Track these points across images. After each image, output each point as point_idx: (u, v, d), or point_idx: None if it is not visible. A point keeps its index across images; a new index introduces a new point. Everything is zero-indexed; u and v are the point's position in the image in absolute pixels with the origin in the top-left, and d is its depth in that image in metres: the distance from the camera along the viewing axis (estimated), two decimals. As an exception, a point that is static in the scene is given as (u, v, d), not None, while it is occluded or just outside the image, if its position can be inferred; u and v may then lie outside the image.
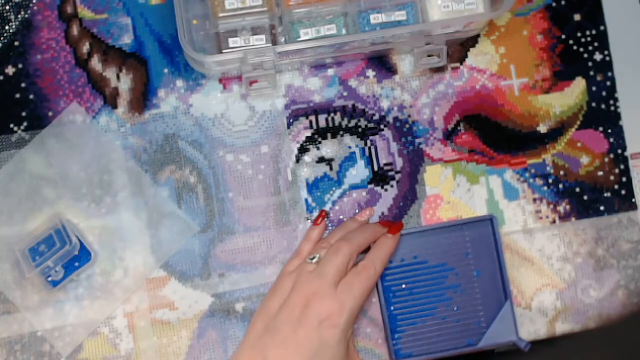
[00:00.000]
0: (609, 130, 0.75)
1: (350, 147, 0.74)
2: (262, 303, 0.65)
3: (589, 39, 0.75)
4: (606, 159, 0.75)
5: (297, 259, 0.68)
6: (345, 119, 0.74)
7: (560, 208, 0.74)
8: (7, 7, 0.72)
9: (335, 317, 0.62)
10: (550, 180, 0.74)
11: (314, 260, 0.65)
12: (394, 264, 0.71)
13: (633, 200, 0.75)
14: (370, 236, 0.67)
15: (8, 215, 0.70)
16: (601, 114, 0.75)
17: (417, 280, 0.71)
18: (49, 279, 0.68)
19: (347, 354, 0.64)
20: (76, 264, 0.69)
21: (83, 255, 0.69)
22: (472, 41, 0.75)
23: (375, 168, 0.74)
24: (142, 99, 0.72)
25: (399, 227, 0.69)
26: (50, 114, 0.71)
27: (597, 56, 0.75)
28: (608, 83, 0.75)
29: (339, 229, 0.70)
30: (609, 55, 0.75)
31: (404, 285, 0.71)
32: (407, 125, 0.74)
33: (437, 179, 0.74)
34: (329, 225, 0.73)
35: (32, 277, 0.68)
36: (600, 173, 0.75)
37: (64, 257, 0.68)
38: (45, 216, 0.70)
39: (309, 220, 0.72)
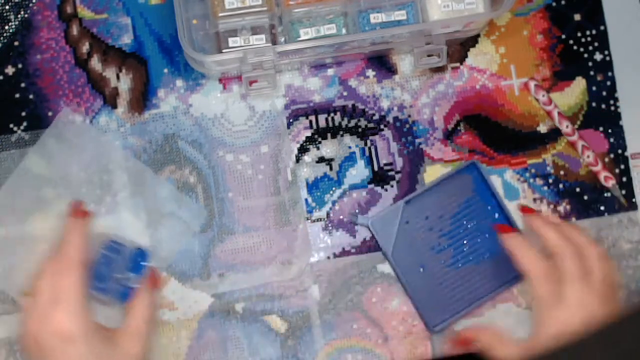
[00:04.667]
0: (609, 130, 0.75)
1: (350, 147, 0.74)
2: None
3: (589, 39, 0.75)
4: (606, 159, 0.75)
5: None
6: (345, 119, 0.74)
7: (561, 208, 0.74)
8: (7, 7, 0.72)
9: (65, 332, 0.59)
10: (550, 180, 0.74)
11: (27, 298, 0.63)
12: (418, 225, 0.72)
13: (633, 200, 0.74)
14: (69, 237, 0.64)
15: (8, 216, 0.70)
16: (601, 114, 0.75)
17: (443, 235, 0.72)
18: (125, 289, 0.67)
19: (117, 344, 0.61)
20: (142, 263, 0.68)
21: (139, 255, 0.69)
22: (472, 41, 0.75)
23: (375, 168, 0.73)
24: (142, 99, 0.72)
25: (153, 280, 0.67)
26: (50, 114, 0.71)
27: (597, 56, 0.75)
28: (608, 83, 0.75)
29: None
30: (609, 55, 0.75)
31: (439, 242, 0.72)
32: (407, 125, 0.74)
33: (437, 179, 0.74)
34: (329, 225, 0.73)
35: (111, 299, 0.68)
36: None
37: (128, 264, 0.67)
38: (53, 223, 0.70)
39: (309, 220, 0.72)
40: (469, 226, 0.72)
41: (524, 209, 0.70)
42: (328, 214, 0.73)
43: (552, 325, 0.62)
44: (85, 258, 0.62)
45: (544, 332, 0.63)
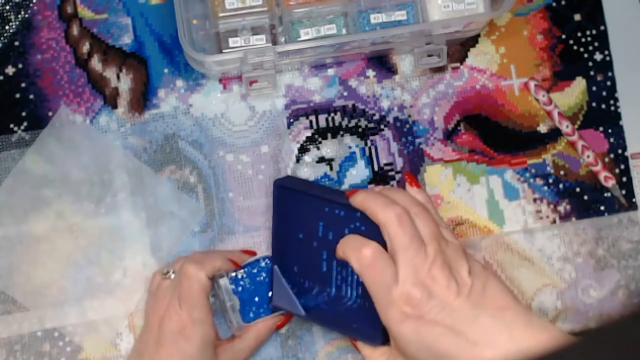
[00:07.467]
0: (609, 130, 0.75)
1: (350, 147, 0.74)
2: None
3: (589, 39, 0.75)
4: (606, 159, 0.75)
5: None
6: (346, 119, 0.74)
7: (561, 208, 0.74)
8: (7, 7, 0.72)
9: (187, 330, 0.62)
10: (550, 180, 0.74)
11: (167, 275, 0.66)
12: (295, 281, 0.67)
13: (633, 200, 0.75)
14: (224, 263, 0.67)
15: (7, 215, 0.70)
16: (601, 114, 0.75)
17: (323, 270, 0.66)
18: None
19: (217, 356, 0.64)
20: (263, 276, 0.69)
21: (257, 267, 0.69)
22: (472, 41, 0.75)
23: (376, 168, 0.74)
24: (142, 99, 0.72)
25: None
26: (50, 114, 0.71)
27: (597, 56, 0.75)
28: (608, 83, 0.75)
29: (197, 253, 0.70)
30: (609, 55, 0.75)
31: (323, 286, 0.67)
32: (407, 125, 0.74)
33: (437, 179, 0.74)
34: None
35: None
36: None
37: (264, 280, 0.69)
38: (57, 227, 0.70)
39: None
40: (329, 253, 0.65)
41: (348, 194, 0.61)
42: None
43: (393, 312, 0.53)
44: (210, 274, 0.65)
45: (394, 326, 0.54)
